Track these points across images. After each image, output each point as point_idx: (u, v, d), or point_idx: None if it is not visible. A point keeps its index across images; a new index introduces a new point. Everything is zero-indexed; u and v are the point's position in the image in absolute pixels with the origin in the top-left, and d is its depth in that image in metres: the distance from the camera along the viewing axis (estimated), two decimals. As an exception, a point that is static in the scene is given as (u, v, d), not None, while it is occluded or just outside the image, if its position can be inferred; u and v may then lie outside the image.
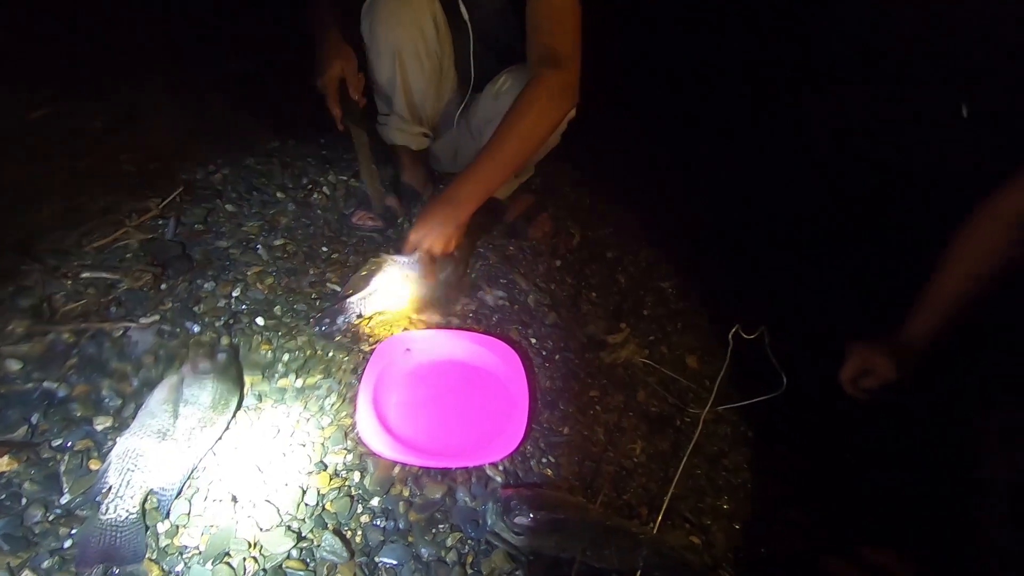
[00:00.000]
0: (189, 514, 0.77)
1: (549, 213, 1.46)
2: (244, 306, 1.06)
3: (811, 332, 1.21)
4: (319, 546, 0.77)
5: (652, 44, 1.96)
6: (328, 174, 1.44)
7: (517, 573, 0.79)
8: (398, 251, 1.11)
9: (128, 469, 0.76)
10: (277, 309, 1.07)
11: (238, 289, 1.09)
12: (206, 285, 1.08)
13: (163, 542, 0.74)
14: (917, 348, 0.93)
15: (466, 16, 1.12)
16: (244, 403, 0.92)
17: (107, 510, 0.73)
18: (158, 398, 0.84)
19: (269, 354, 1.00)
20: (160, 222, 1.18)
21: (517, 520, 0.79)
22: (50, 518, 0.74)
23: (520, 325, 1.17)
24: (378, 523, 0.82)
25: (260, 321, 1.04)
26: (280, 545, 0.76)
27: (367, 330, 1.08)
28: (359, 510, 0.83)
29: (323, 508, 0.82)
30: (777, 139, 1.80)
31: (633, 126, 1.90)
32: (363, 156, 1.21)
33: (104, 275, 1.04)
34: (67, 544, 0.72)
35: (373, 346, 1.03)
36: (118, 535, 0.71)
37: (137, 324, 0.97)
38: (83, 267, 1.04)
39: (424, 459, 0.88)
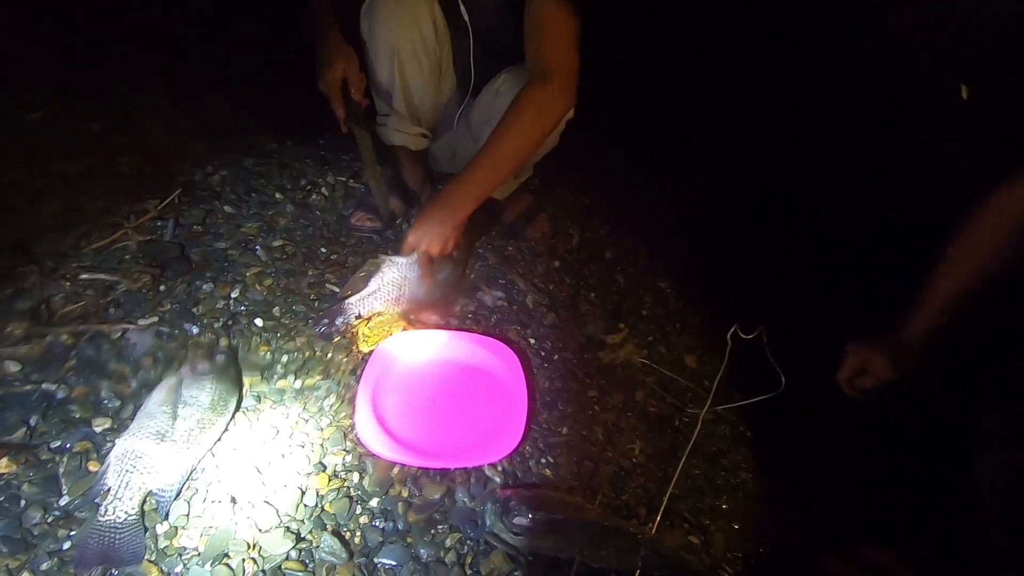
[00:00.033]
0: (188, 515, 0.78)
1: (548, 213, 1.46)
2: (243, 307, 1.06)
3: (810, 332, 1.21)
4: (318, 547, 0.77)
5: (652, 44, 1.96)
6: (327, 175, 1.44)
7: (516, 573, 0.79)
8: (396, 252, 1.11)
9: (127, 470, 0.76)
10: (276, 310, 1.08)
11: (237, 290, 1.09)
12: (205, 286, 1.08)
13: (162, 543, 0.74)
14: (915, 347, 0.93)
15: (466, 17, 1.12)
16: (243, 404, 0.92)
17: (106, 512, 0.73)
18: (157, 399, 0.84)
19: (268, 355, 1.00)
20: (159, 223, 1.18)
21: (516, 520, 0.80)
22: (49, 520, 0.74)
23: (519, 325, 1.17)
24: (377, 524, 0.82)
25: (259, 322, 1.04)
26: (279, 546, 0.76)
27: (366, 331, 1.08)
28: (358, 511, 0.83)
29: (322, 509, 0.82)
30: (777, 139, 1.80)
31: (633, 126, 1.89)
32: (367, 158, 1.20)
33: (103, 277, 1.04)
34: (66, 546, 0.72)
35: (372, 347, 1.03)
36: (117, 537, 0.72)
37: (136, 326, 0.97)
38: (81, 269, 1.04)
39: (423, 460, 0.88)
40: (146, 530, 0.75)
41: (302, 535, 0.78)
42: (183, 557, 0.74)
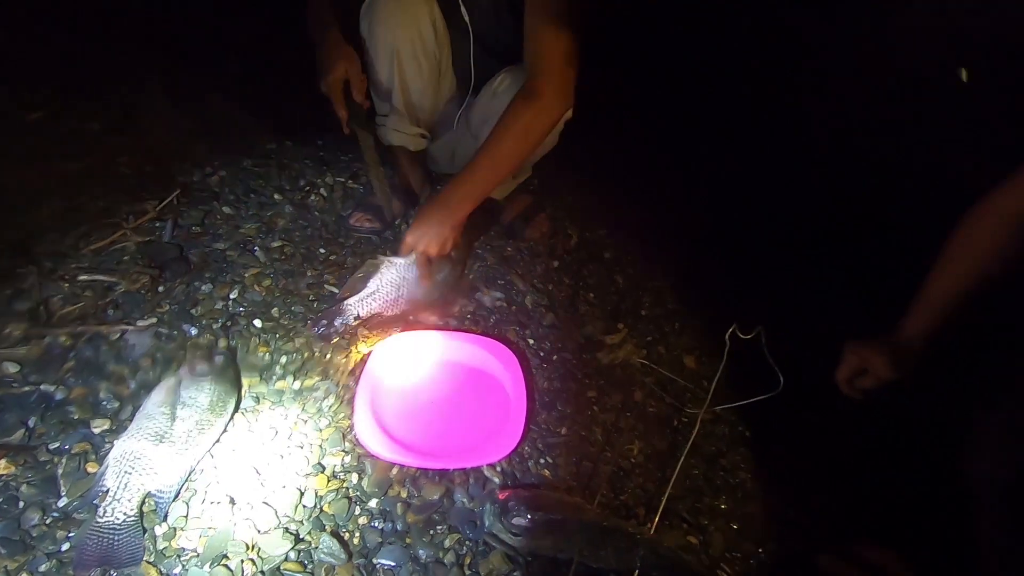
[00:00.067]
0: (187, 516, 0.78)
1: (547, 214, 1.46)
2: (242, 308, 1.06)
3: (809, 332, 1.21)
4: (317, 548, 0.77)
5: (652, 44, 1.96)
6: (326, 175, 1.44)
7: (515, 574, 0.80)
8: (395, 253, 1.11)
9: (126, 472, 0.76)
10: (275, 311, 1.08)
11: (236, 291, 1.09)
12: (203, 287, 1.08)
13: (161, 544, 0.75)
14: (914, 347, 0.93)
15: (466, 17, 1.12)
16: (242, 405, 0.92)
17: (105, 513, 0.73)
18: (156, 400, 0.84)
19: (267, 356, 1.00)
20: (157, 224, 1.18)
21: (515, 521, 0.80)
22: (47, 521, 0.74)
23: (518, 326, 1.17)
24: (376, 524, 0.82)
25: (258, 323, 1.05)
26: (278, 547, 0.76)
27: (365, 332, 1.08)
28: (357, 512, 0.83)
29: (321, 510, 0.82)
30: (777, 139, 1.80)
31: (632, 126, 1.89)
32: (370, 159, 1.20)
33: (101, 277, 1.04)
34: (65, 547, 0.72)
35: (371, 348, 1.03)
36: (116, 538, 0.72)
37: (134, 327, 0.98)
38: (80, 270, 1.04)
39: (422, 460, 0.88)
40: (145, 531, 0.75)
41: (301, 536, 0.78)
42: (182, 558, 0.74)
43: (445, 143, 1.36)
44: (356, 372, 0.99)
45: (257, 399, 0.93)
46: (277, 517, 0.79)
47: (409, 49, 1.13)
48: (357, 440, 0.89)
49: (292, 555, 0.76)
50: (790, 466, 1.06)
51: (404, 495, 0.86)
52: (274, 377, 0.97)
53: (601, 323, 1.24)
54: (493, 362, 1.04)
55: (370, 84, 1.19)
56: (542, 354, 1.13)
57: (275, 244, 1.21)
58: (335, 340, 1.04)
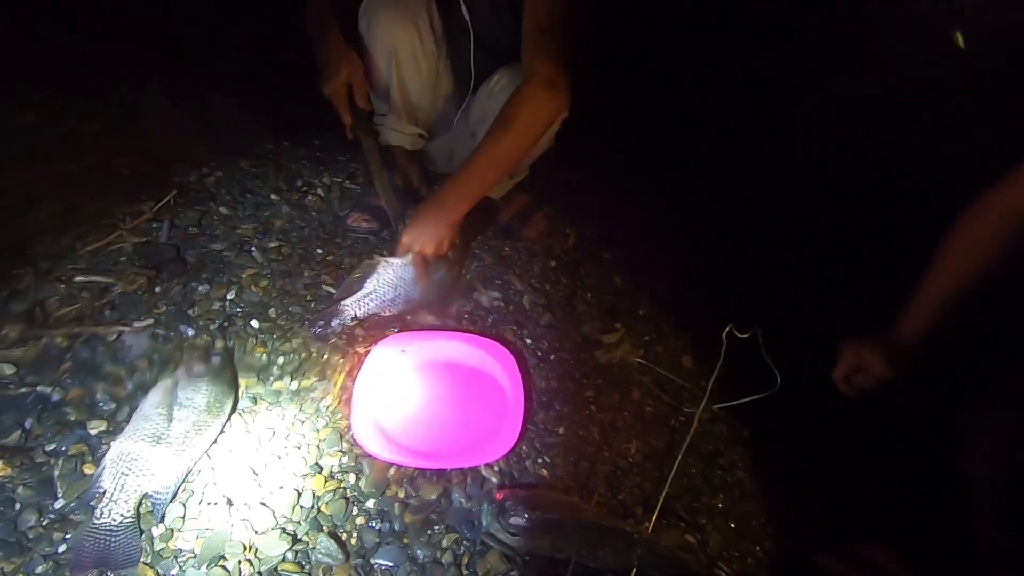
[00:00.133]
0: (184, 517, 0.78)
1: (544, 213, 1.46)
2: (239, 309, 1.06)
3: (807, 331, 1.21)
4: (314, 548, 0.77)
5: (652, 44, 1.96)
6: (323, 176, 1.44)
7: (513, 574, 0.80)
8: (392, 253, 1.11)
9: (123, 473, 0.76)
10: (272, 311, 1.07)
11: (232, 292, 1.08)
12: (200, 288, 1.07)
13: (158, 546, 0.74)
14: (911, 345, 0.93)
15: (467, 16, 1.12)
16: (239, 406, 0.92)
17: (101, 514, 0.73)
18: (152, 402, 0.84)
19: (264, 357, 1.00)
20: (154, 225, 1.18)
21: (512, 521, 0.80)
22: (44, 523, 0.74)
23: (515, 326, 1.17)
24: (374, 525, 0.82)
25: (255, 324, 1.04)
26: (275, 548, 0.76)
27: (362, 332, 1.08)
28: (354, 512, 0.83)
29: (318, 510, 0.82)
30: (776, 139, 1.80)
31: (632, 126, 1.90)
32: (374, 163, 1.20)
33: (98, 279, 1.03)
34: (61, 549, 0.72)
35: (368, 348, 1.03)
36: (113, 539, 0.72)
37: (131, 328, 0.97)
38: (76, 271, 1.04)
39: (419, 460, 0.88)
40: (142, 532, 0.75)
41: (298, 536, 0.78)
42: (179, 559, 0.74)
43: (443, 143, 1.37)
44: (353, 372, 0.99)
45: (254, 400, 0.93)
46: (274, 518, 0.79)
47: (407, 48, 1.13)
48: (354, 440, 0.89)
49: (290, 556, 0.76)
50: (788, 465, 1.07)
51: (402, 495, 0.86)
52: (271, 378, 0.97)
53: (599, 322, 1.25)
54: (491, 362, 1.04)
55: (369, 83, 1.20)
56: (540, 354, 1.13)
57: (272, 244, 1.21)
58: (332, 340, 1.04)
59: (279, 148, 1.51)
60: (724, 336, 1.00)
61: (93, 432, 0.84)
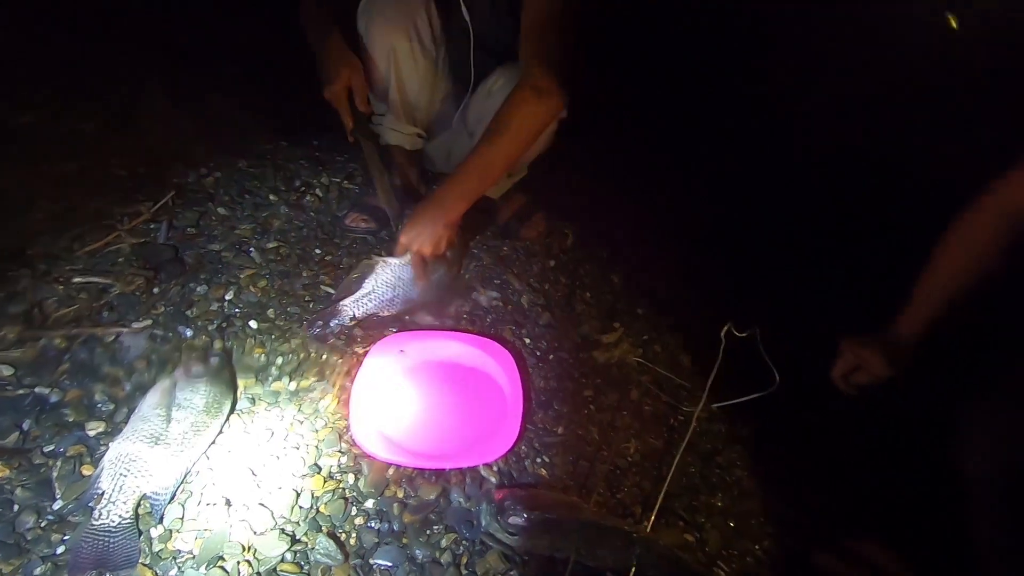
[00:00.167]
0: (183, 518, 0.77)
1: (543, 213, 1.46)
2: (237, 309, 1.06)
3: (806, 330, 1.22)
4: (313, 549, 0.77)
5: (652, 44, 1.96)
6: (321, 176, 1.44)
7: (512, 573, 0.80)
8: (390, 253, 1.11)
9: (121, 474, 0.76)
10: (270, 312, 1.07)
11: (231, 292, 1.08)
12: (199, 289, 1.07)
13: (156, 547, 0.74)
14: (909, 344, 0.93)
15: (467, 16, 1.12)
16: (237, 407, 0.92)
17: (100, 516, 0.73)
18: (151, 402, 0.84)
19: (262, 357, 1.00)
20: (152, 226, 1.17)
21: (511, 520, 0.80)
22: (42, 524, 0.74)
23: (514, 325, 1.17)
24: (372, 525, 0.82)
25: (253, 324, 1.04)
26: (274, 548, 0.76)
27: (360, 332, 1.08)
28: (353, 512, 0.83)
29: (317, 511, 0.82)
30: (776, 139, 1.81)
31: (630, 126, 1.90)
32: (375, 166, 1.20)
33: (96, 280, 1.03)
34: (60, 550, 0.72)
35: (367, 348, 1.03)
36: (111, 541, 0.71)
37: (129, 329, 0.97)
38: (74, 272, 1.04)
39: (418, 460, 0.88)
40: (140, 534, 0.74)
41: (297, 537, 0.78)
42: (178, 560, 0.73)
43: (441, 142, 1.37)
44: (352, 373, 0.99)
45: (253, 400, 0.93)
46: (273, 518, 0.79)
47: (406, 48, 1.13)
48: (353, 441, 0.89)
49: (288, 556, 0.76)
50: (787, 464, 1.07)
51: (401, 495, 0.86)
52: (270, 378, 0.97)
53: (597, 322, 1.25)
54: (489, 362, 1.04)
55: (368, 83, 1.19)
56: (538, 353, 1.13)
57: (270, 245, 1.21)
58: (331, 341, 1.04)
59: (277, 148, 1.51)
60: (722, 335, 1.00)
61: (91, 433, 0.83)
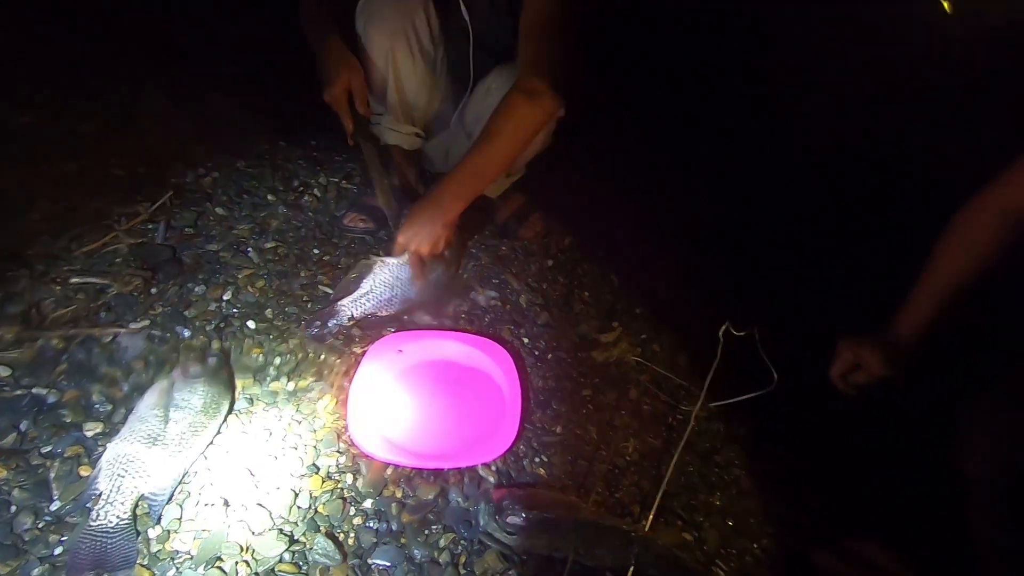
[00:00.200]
0: (180, 519, 0.77)
1: (541, 213, 1.46)
2: (235, 309, 1.06)
3: (806, 330, 1.22)
4: (311, 549, 0.77)
5: (652, 44, 1.96)
6: (319, 176, 1.44)
7: (510, 573, 0.80)
8: (388, 253, 1.11)
9: (119, 475, 0.76)
10: (268, 312, 1.07)
11: (229, 292, 1.08)
12: (196, 289, 1.07)
13: (154, 547, 0.74)
14: (906, 343, 0.93)
15: (466, 16, 1.11)
16: (235, 407, 0.92)
17: (98, 516, 0.73)
18: (148, 403, 0.84)
19: (260, 357, 1.00)
20: (150, 226, 1.17)
21: (510, 520, 0.80)
22: (40, 525, 0.74)
23: (512, 325, 1.17)
24: (371, 525, 0.82)
25: (251, 324, 1.04)
26: (272, 549, 0.76)
27: (359, 332, 1.07)
28: (352, 512, 0.83)
29: (315, 511, 0.82)
30: (776, 139, 1.81)
31: (630, 125, 1.89)
32: (375, 170, 1.20)
33: (93, 280, 1.03)
34: (57, 551, 0.72)
35: (365, 348, 1.03)
36: (109, 541, 0.71)
37: (127, 329, 0.97)
38: (72, 272, 1.04)
39: (416, 460, 0.88)
40: (138, 534, 0.74)
41: (295, 537, 0.78)
42: (176, 561, 0.73)
43: (440, 142, 1.36)
44: (350, 373, 0.99)
45: (251, 400, 0.93)
46: (271, 518, 0.79)
47: (404, 48, 1.13)
48: (352, 441, 0.89)
49: (287, 556, 0.76)
50: (785, 463, 1.07)
51: (399, 495, 0.86)
52: (268, 378, 0.97)
53: (596, 321, 1.25)
54: (488, 361, 1.04)
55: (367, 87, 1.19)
56: (537, 353, 1.13)
57: (268, 245, 1.21)
58: (329, 341, 1.04)
59: (275, 148, 1.51)
60: (720, 334, 1.00)
61: (89, 434, 0.83)
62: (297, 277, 1.16)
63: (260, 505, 0.80)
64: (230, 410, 0.90)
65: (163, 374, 0.91)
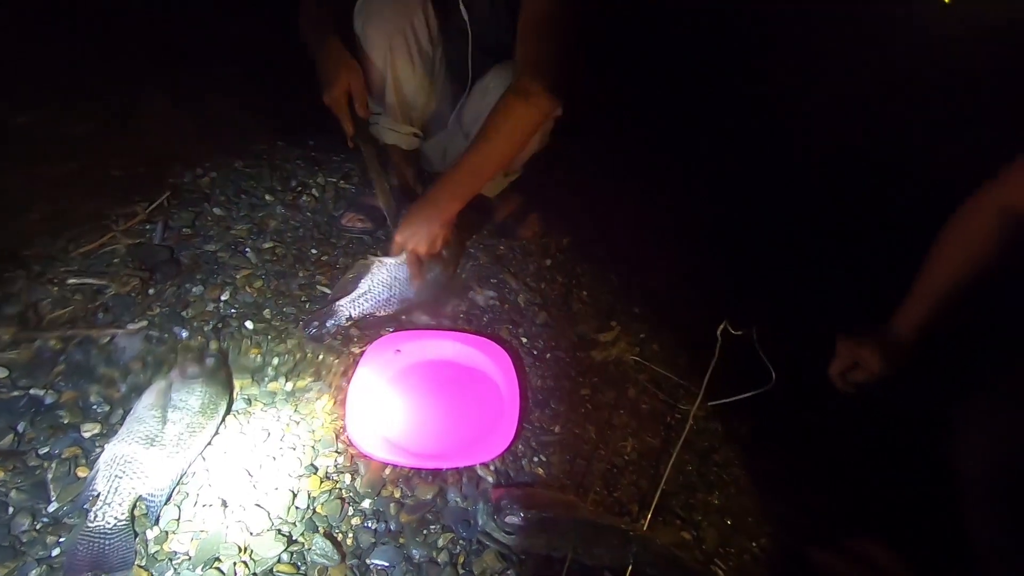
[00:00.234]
0: (178, 520, 0.77)
1: (539, 212, 1.46)
2: (233, 310, 1.06)
3: (805, 329, 1.22)
4: (310, 549, 0.77)
5: (652, 44, 1.96)
6: (317, 176, 1.44)
7: (509, 572, 0.80)
8: (386, 253, 1.11)
9: (116, 476, 0.75)
10: (266, 312, 1.07)
11: (227, 293, 1.08)
12: (194, 289, 1.07)
13: (152, 548, 0.74)
14: (905, 341, 0.93)
15: (465, 16, 1.11)
16: (233, 407, 0.92)
17: (95, 517, 0.72)
18: (146, 403, 0.84)
19: (258, 358, 1.00)
20: (147, 226, 1.17)
21: (508, 519, 0.80)
22: (37, 527, 0.73)
23: (511, 324, 1.17)
24: (369, 525, 0.82)
25: (249, 325, 1.04)
26: (271, 549, 0.76)
27: (357, 332, 1.07)
28: (350, 512, 0.83)
29: (314, 511, 0.82)
30: (776, 139, 1.81)
31: (629, 125, 1.89)
32: (375, 172, 1.20)
33: (91, 281, 1.03)
34: (55, 553, 0.71)
35: (363, 348, 1.03)
36: (107, 542, 0.71)
37: (125, 330, 0.97)
38: (69, 273, 1.03)
39: (415, 460, 0.88)
40: (136, 535, 0.74)
41: (294, 537, 0.78)
42: (174, 562, 0.73)
43: (438, 142, 1.36)
44: (348, 373, 0.99)
45: (249, 401, 0.93)
46: (270, 519, 0.79)
47: (403, 48, 1.13)
48: (350, 441, 0.89)
49: (285, 557, 0.76)
50: (784, 462, 1.07)
51: (397, 495, 0.86)
52: (266, 379, 0.97)
53: (594, 321, 1.25)
54: (486, 361, 1.04)
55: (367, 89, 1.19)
56: (535, 352, 1.13)
57: (266, 245, 1.21)
58: (327, 341, 1.04)
59: (274, 148, 1.51)
60: (718, 333, 1.00)
61: (87, 435, 0.83)
62: (295, 277, 1.16)
63: (258, 506, 0.80)
64: (228, 411, 0.90)
65: (161, 375, 0.91)
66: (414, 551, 0.80)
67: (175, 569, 0.73)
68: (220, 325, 1.03)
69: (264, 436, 0.89)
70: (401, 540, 0.81)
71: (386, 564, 0.78)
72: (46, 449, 0.81)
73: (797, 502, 1.00)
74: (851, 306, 1.31)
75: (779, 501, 1.00)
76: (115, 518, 0.73)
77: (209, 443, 0.85)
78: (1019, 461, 0.72)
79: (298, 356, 1.01)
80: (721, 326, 1.01)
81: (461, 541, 0.82)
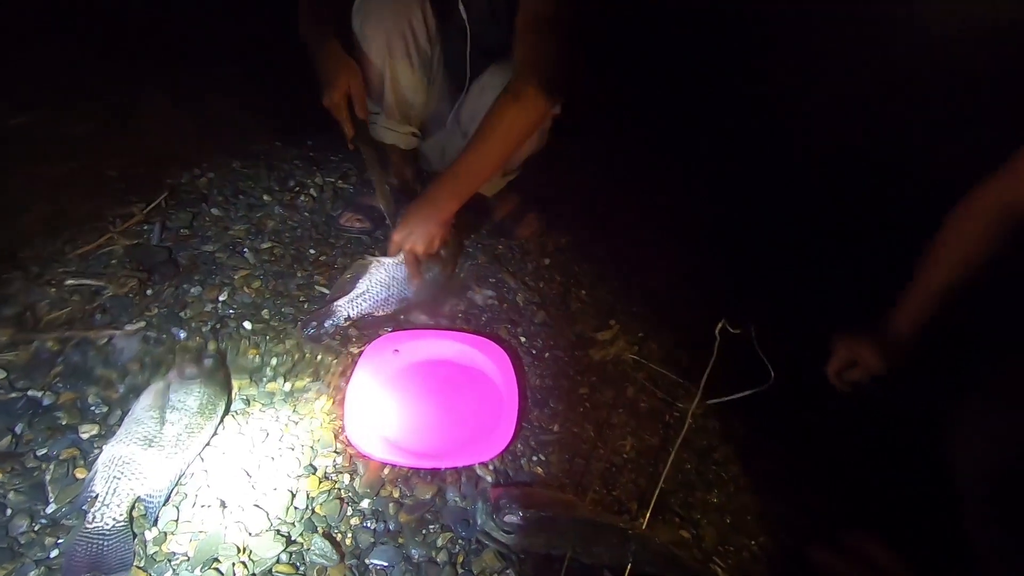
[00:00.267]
0: (177, 520, 0.77)
1: (538, 212, 1.46)
2: (231, 310, 1.06)
3: (804, 328, 1.21)
4: (309, 549, 0.77)
5: (652, 44, 1.96)
6: (315, 176, 1.44)
7: (508, 572, 0.80)
8: (384, 253, 1.11)
9: (115, 477, 0.75)
10: (265, 313, 1.07)
11: (225, 293, 1.08)
12: (192, 290, 1.07)
13: (151, 549, 0.74)
14: (902, 339, 0.93)
15: (464, 16, 1.11)
16: (232, 408, 0.92)
17: (94, 518, 0.72)
18: (144, 404, 0.84)
19: (257, 358, 1.00)
20: (145, 227, 1.17)
21: (507, 519, 0.80)
22: (36, 528, 0.73)
23: (509, 324, 1.17)
24: (368, 525, 0.82)
25: (247, 325, 1.04)
26: (270, 549, 0.76)
27: (355, 332, 1.07)
28: (349, 512, 0.83)
29: (313, 511, 0.82)
30: (775, 139, 1.80)
31: (629, 125, 1.89)
32: (375, 173, 1.20)
33: (88, 282, 1.03)
34: (53, 554, 0.71)
35: (361, 348, 1.03)
36: (105, 543, 0.71)
37: (122, 331, 0.97)
38: (67, 274, 1.03)
39: (414, 460, 0.88)
40: (135, 536, 0.74)
41: (293, 538, 0.78)
42: (172, 563, 0.73)
43: (436, 141, 1.36)
44: (347, 373, 0.99)
45: (247, 401, 0.93)
46: (268, 519, 0.79)
47: (401, 47, 1.13)
48: (348, 441, 0.89)
49: (284, 557, 0.76)
50: (783, 460, 1.07)
51: (396, 495, 0.86)
52: (264, 379, 0.97)
53: (593, 320, 1.24)
54: (485, 360, 1.04)
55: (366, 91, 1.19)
56: (534, 352, 1.13)
57: (264, 245, 1.21)
58: (326, 341, 1.04)
59: (271, 148, 1.51)
60: (717, 331, 1.00)
61: (85, 436, 0.83)
62: (293, 277, 1.16)
63: (257, 506, 0.80)
64: (226, 411, 0.90)
65: (159, 376, 0.91)
66: (413, 551, 0.80)
67: (174, 570, 0.73)
68: (218, 326, 1.02)
69: (263, 436, 0.89)
70: (400, 540, 0.81)
71: (385, 564, 0.78)
72: (44, 450, 0.81)
73: (796, 501, 1.00)
74: (850, 306, 1.31)
75: (778, 500, 1.00)
76: (113, 519, 0.73)
77: (207, 444, 0.86)
78: (1014, 461, 0.72)
79: (296, 356, 1.01)
80: (720, 325, 1.00)
81: (460, 540, 0.82)
